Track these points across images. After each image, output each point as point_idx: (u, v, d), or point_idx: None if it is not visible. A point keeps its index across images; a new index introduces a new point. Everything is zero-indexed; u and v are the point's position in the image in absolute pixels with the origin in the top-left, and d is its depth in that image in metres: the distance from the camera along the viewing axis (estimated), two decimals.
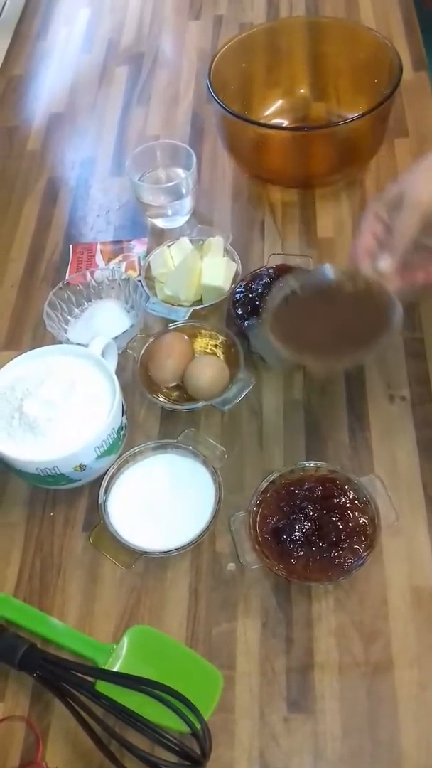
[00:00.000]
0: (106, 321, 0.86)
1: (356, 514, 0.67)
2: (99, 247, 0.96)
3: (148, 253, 0.92)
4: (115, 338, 0.79)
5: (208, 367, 0.78)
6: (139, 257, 0.94)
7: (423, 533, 0.69)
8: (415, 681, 0.62)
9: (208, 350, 0.83)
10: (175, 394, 0.80)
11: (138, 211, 0.99)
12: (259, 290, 0.82)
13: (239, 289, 0.84)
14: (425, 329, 0.82)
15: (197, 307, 0.85)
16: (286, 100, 1.06)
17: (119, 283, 0.88)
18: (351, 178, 0.98)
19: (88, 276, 0.88)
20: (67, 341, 0.82)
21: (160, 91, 1.17)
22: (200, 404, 0.77)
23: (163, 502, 0.72)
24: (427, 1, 1.31)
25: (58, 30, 1.32)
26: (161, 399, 0.79)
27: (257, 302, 0.82)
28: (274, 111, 1.06)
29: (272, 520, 0.68)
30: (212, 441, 0.75)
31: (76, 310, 0.88)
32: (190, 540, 0.68)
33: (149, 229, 0.98)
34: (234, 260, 0.87)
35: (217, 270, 0.85)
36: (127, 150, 1.07)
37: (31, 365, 0.74)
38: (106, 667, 0.64)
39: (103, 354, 0.76)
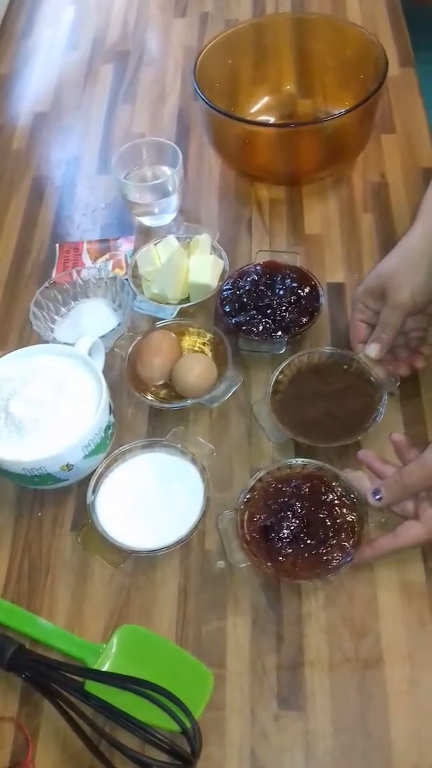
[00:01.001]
0: (93, 320, 0.85)
1: (344, 510, 0.67)
2: (85, 245, 0.96)
3: (134, 251, 0.92)
4: (103, 337, 0.79)
5: (195, 365, 0.78)
6: (125, 255, 0.94)
7: None
8: (405, 677, 0.62)
9: (195, 348, 0.82)
10: (163, 392, 0.79)
11: (124, 209, 0.98)
12: (247, 287, 0.82)
13: (226, 287, 0.84)
14: None
15: (184, 305, 0.85)
16: (273, 97, 1.06)
17: (106, 282, 0.88)
18: (338, 174, 0.98)
19: (75, 275, 0.87)
20: (54, 341, 0.82)
21: (146, 89, 1.16)
22: (188, 402, 0.77)
23: (152, 501, 0.72)
24: None
25: (43, 29, 1.32)
26: (149, 397, 0.78)
27: (245, 299, 0.82)
28: (261, 108, 1.05)
29: (260, 518, 0.67)
30: (200, 439, 0.75)
31: (63, 310, 0.88)
32: (179, 538, 0.68)
33: (136, 227, 0.97)
34: (221, 257, 0.87)
35: (204, 267, 0.84)
36: (113, 148, 1.07)
37: (16, 365, 0.74)
38: (95, 667, 0.63)
39: (90, 353, 0.75)
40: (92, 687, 0.61)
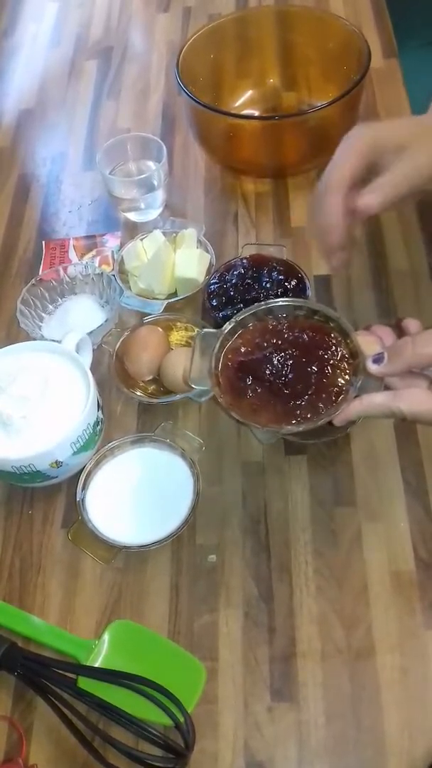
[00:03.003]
0: (81, 316, 0.85)
1: (336, 373, 0.61)
2: (72, 242, 0.95)
3: (121, 247, 0.92)
4: (90, 333, 0.79)
5: (183, 360, 0.77)
6: (112, 251, 0.93)
7: (402, 518, 0.69)
8: (397, 666, 0.62)
9: (183, 343, 0.82)
10: (151, 387, 0.79)
11: (110, 205, 0.98)
12: (234, 281, 0.82)
13: (213, 281, 0.84)
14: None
15: (172, 300, 0.85)
16: (257, 91, 1.06)
17: (93, 278, 0.87)
18: (323, 166, 0.94)
19: (62, 272, 0.87)
20: (42, 338, 0.82)
21: (130, 85, 1.16)
22: (177, 397, 0.77)
23: (142, 496, 0.72)
24: None
25: (26, 26, 1.31)
26: (138, 393, 0.78)
27: (231, 293, 0.81)
28: (245, 101, 1.05)
29: (245, 350, 0.63)
30: (190, 433, 0.74)
31: (50, 307, 0.87)
32: (170, 533, 0.68)
33: (122, 223, 0.97)
34: (207, 252, 0.87)
35: (190, 262, 0.84)
36: (98, 144, 1.06)
37: (3, 362, 0.74)
38: (87, 664, 0.63)
39: (77, 349, 0.75)
40: (85, 683, 0.61)
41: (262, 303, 0.65)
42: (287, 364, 0.61)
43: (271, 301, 0.66)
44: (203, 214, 0.96)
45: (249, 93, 1.05)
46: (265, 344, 0.63)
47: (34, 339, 0.81)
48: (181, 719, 0.58)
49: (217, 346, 0.63)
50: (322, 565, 0.67)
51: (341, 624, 0.64)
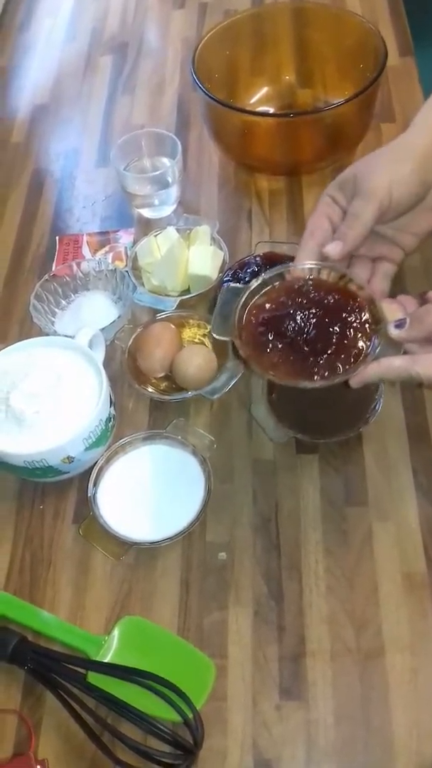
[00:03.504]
0: (94, 312, 0.85)
1: (359, 336, 0.62)
2: (85, 238, 0.95)
3: (134, 243, 0.92)
4: (103, 329, 0.79)
5: (196, 357, 0.77)
6: (125, 248, 0.93)
7: (413, 519, 0.69)
8: (406, 667, 0.62)
9: (196, 340, 0.82)
10: (163, 384, 0.79)
11: (124, 201, 0.98)
12: (247, 278, 0.82)
13: (226, 278, 0.83)
14: None
15: (185, 297, 0.84)
16: (272, 87, 1.05)
17: (106, 274, 0.87)
18: (338, 164, 0.97)
19: (75, 267, 0.87)
20: (55, 333, 0.82)
21: (145, 81, 1.16)
22: (189, 394, 0.77)
23: (153, 493, 0.72)
24: None
25: (42, 21, 1.31)
26: (150, 389, 0.78)
27: None
28: (260, 98, 1.05)
29: (267, 308, 0.64)
30: (201, 431, 0.74)
31: (63, 302, 0.87)
32: (181, 530, 0.68)
33: (136, 219, 0.97)
34: (221, 249, 0.87)
35: (204, 259, 0.84)
36: (112, 140, 1.06)
37: (16, 358, 0.74)
38: (97, 659, 0.64)
39: (90, 345, 0.75)
40: (94, 678, 0.61)
41: (290, 264, 0.67)
42: (310, 323, 0.62)
43: (299, 262, 0.67)
44: (217, 211, 0.96)
45: (264, 90, 1.05)
46: (290, 302, 0.64)
47: (47, 334, 0.81)
48: (190, 716, 0.58)
49: (242, 301, 0.64)
50: (333, 564, 0.67)
51: (351, 624, 0.64)
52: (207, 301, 0.85)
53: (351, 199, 0.66)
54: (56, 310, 0.87)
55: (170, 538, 0.68)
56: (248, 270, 0.83)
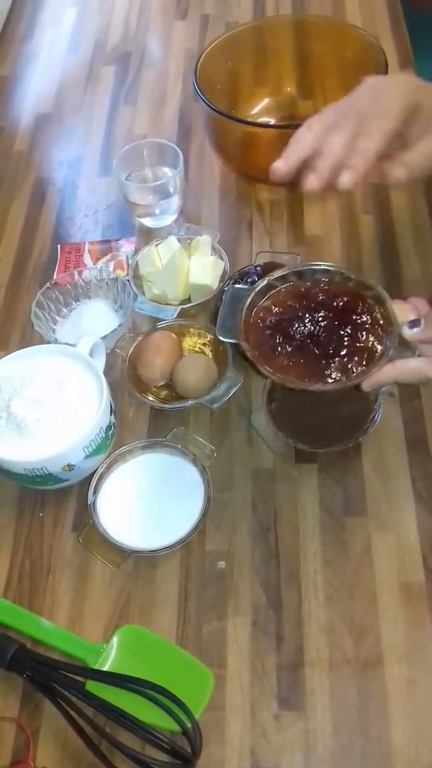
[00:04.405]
0: (95, 320, 0.86)
1: (371, 338, 0.61)
2: (87, 246, 0.96)
3: (136, 252, 0.92)
4: (104, 338, 0.79)
5: (196, 366, 0.78)
6: (127, 256, 0.94)
7: (412, 529, 0.69)
8: (404, 677, 0.62)
9: (196, 349, 0.83)
10: (164, 393, 0.80)
11: (126, 210, 0.99)
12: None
13: (227, 288, 0.84)
14: None
15: (185, 306, 0.85)
16: (273, 99, 1.06)
17: (107, 283, 0.88)
18: None
19: (76, 276, 0.88)
20: (56, 341, 0.82)
21: (147, 91, 1.16)
22: (189, 403, 0.77)
23: (153, 501, 0.72)
24: (414, 1, 1.31)
25: (45, 31, 1.32)
26: (150, 398, 0.79)
27: None
28: (261, 109, 1.06)
29: (274, 311, 0.63)
30: (201, 439, 0.75)
31: (65, 310, 0.88)
32: (180, 538, 0.68)
33: (137, 228, 0.97)
34: (222, 259, 0.87)
35: (204, 268, 0.85)
36: (114, 150, 1.07)
37: (18, 365, 0.74)
38: (96, 667, 0.64)
39: (91, 353, 0.75)
40: (93, 687, 0.61)
41: (296, 265, 0.67)
42: (320, 325, 0.62)
43: (305, 264, 0.67)
44: (218, 221, 0.97)
45: (266, 101, 1.06)
46: (297, 305, 0.63)
47: (48, 342, 0.82)
48: (189, 725, 0.58)
49: (248, 302, 0.64)
50: (332, 574, 0.67)
51: (350, 634, 0.64)
52: (207, 311, 0.86)
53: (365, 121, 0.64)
54: (57, 318, 0.87)
55: (169, 547, 0.68)
56: (248, 280, 0.83)
